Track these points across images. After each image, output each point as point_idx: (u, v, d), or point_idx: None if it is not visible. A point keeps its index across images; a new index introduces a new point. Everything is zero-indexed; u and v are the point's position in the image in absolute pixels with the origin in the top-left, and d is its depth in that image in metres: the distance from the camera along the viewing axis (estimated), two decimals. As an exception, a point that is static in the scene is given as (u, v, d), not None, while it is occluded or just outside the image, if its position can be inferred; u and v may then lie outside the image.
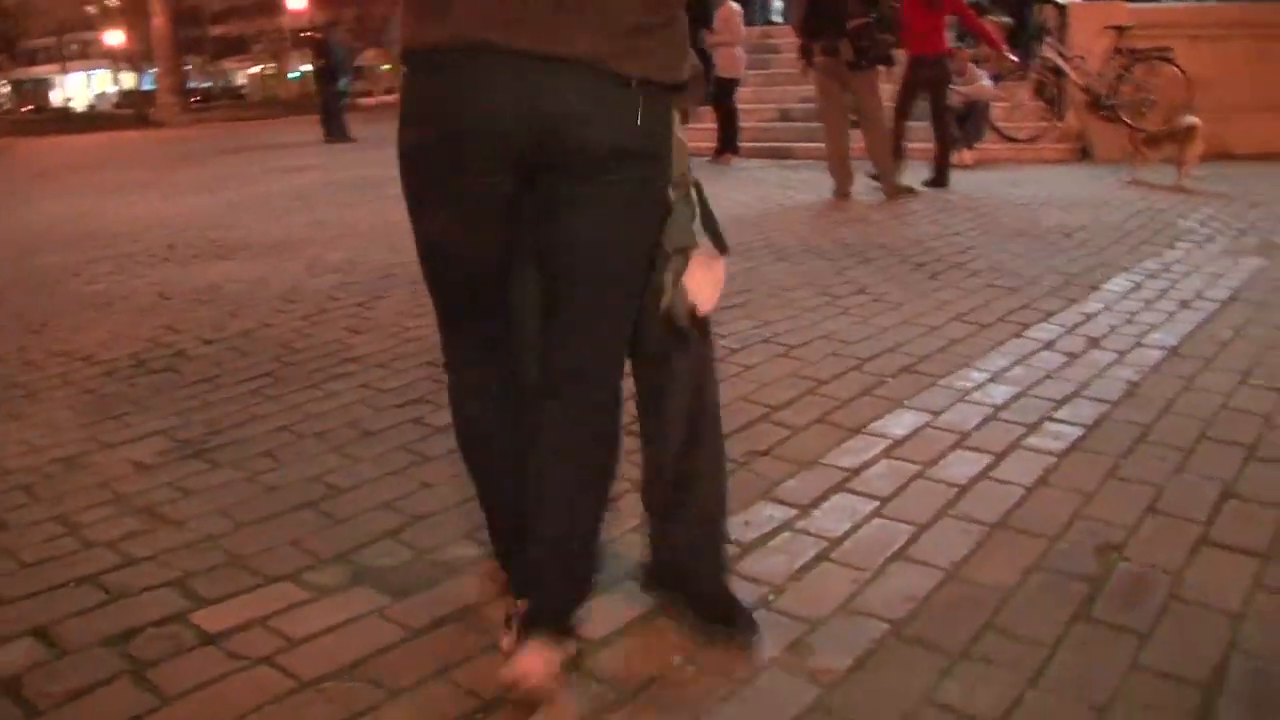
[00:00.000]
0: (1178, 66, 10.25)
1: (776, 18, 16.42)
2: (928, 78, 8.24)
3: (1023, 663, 1.96)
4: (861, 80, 7.77)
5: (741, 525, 2.53)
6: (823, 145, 8.37)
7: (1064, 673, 1.94)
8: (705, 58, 10.38)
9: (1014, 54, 11.08)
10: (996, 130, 10.45)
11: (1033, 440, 3.05)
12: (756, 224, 6.97)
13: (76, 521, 2.74)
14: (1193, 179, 8.23)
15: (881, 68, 7.98)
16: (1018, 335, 4.14)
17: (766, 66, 12.62)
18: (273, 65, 73.89)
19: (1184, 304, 4.65)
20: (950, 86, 9.66)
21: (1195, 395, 3.40)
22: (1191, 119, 8.42)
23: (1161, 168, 8.43)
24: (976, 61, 10.17)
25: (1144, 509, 2.58)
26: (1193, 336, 4.12)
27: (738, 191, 8.63)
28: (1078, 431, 3.10)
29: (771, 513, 2.63)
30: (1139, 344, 4.02)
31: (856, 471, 2.86)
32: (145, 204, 9.73)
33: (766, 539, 2.49)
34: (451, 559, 2.45)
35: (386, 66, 64.44)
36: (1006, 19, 11.17)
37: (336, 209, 8.64)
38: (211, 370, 4.07)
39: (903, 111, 8.36)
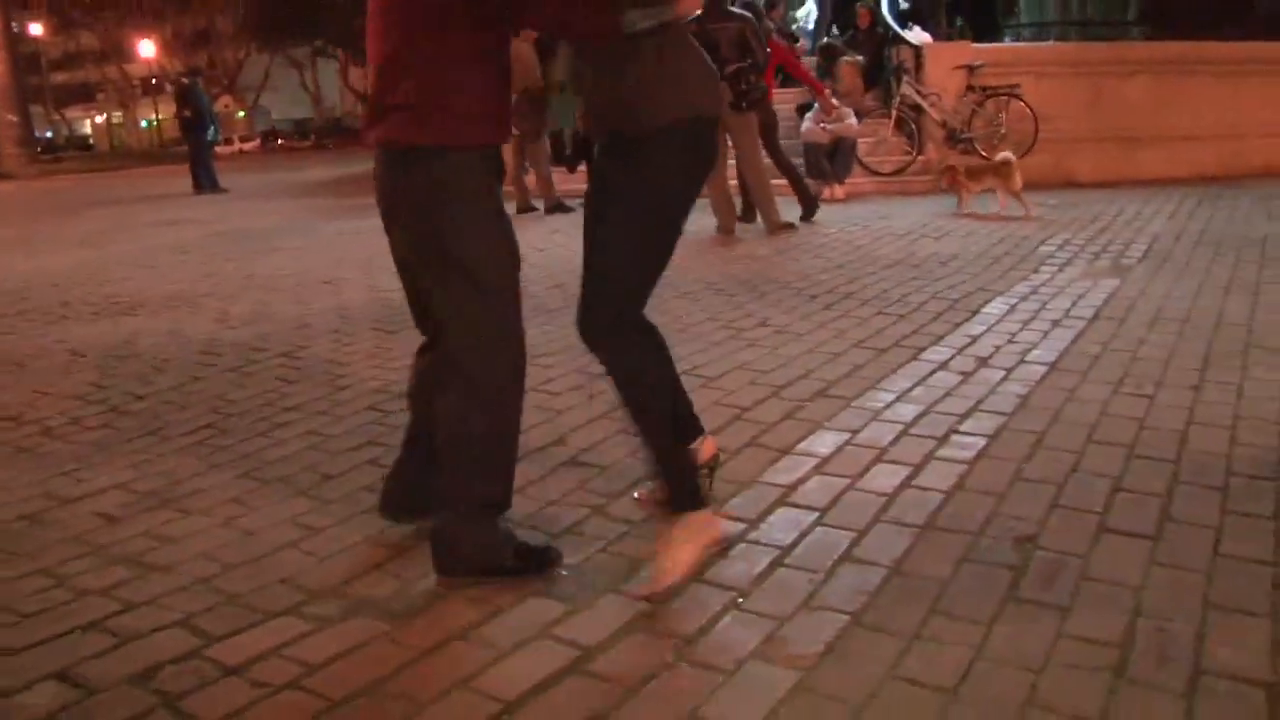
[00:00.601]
0: (1025, 102, 11.00)
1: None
2: (760, 122, 8.72)
3: (967, 639, 2.27)
4: (739, 122, 8.18)
5: (699, 540, 2.80)
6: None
7: (1002, 644, 2.24)
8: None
9: (872, 92, 11.76)
10: (863, 165, 11.03)
11: (944, 451, 3.39)
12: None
13: (62, 573, 2.84)
14: (1031, 207, 8.83)
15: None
16: (914, 359, 4.51)
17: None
18: (120, 114, 72.02)
19: (1056, 323, 5.10)
20: (821, 125, 10.22)
21: (1078, 404, 3.80)
22: (1007, 154, 9.08)
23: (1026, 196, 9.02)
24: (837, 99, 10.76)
25: (1049, 504, 2.93)
26: (1068, 352, 4.55)
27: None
28: (981, 441, 3.46)
29: (723, 528, 2.89)
30: (1023, 361, 4.43)
31: (793, 487, 3.15)
32: (22, 260, 9.59)
33: (725, 551, 2.76)
34: (438, 585, 2.64)
35: (241, 114, 63.51)
36: (861, 58, 11.84)
37: (226, 261, 8.68)
38: (152, 424, 4.16)
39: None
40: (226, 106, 63.16)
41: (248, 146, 52.60)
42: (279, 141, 57.51)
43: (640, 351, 2.64)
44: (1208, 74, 12.35)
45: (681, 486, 2.68)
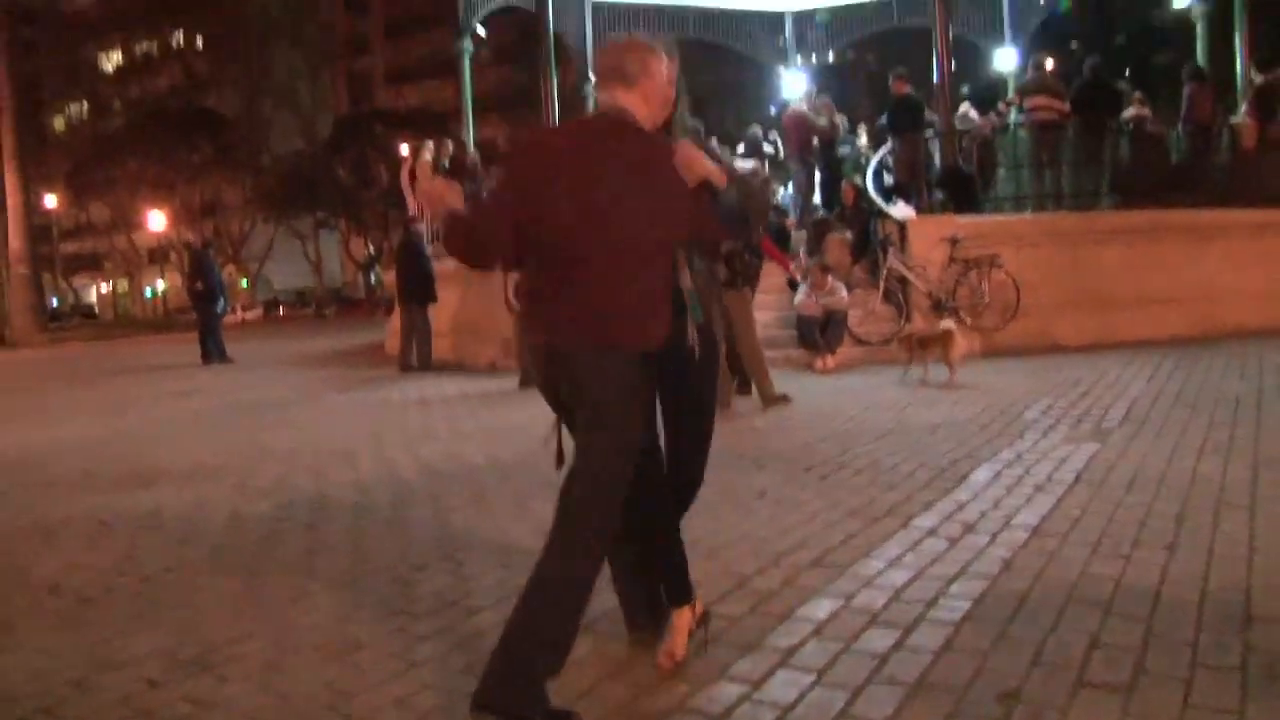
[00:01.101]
0: (1006, 271, 11.53)
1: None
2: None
3: (957, 788, 2.49)
4: (734, 299, 8.60)
5: (706, 701, 3.03)
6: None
7: (989, 793, 2.47)
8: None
9: (860, 264, 12.31)
10: (854, 336, 11.47)
11: (932, 614, 3.63)
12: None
13: (115, 738, 3.06)
14: (956, 377, 9.35)
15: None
16: (904, 526, 4.78)
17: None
18: (125, 281, 73.48)
19: (1039, 488, 5.40)
20: (814, 298, 10.71)
21: (1059, 565, 4.06)
22: (948, 323, 9.51)
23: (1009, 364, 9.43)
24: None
25: (1030, 661, 3.17)
26: (1050, 516, 4.83)
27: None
28: (968, 604, 3.71)
29: (730, 690, 3.12)
30: (1007, 525, 4.71)
31: (792, 651, 3.38)
32: (40, 429, 9.90)
33: (731, 710, 2.98)
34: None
35: (245, 283, 64.78)
36: (849, 234, 12.45)
37: (242, 433, 8.99)
38: (186, 593, 4.40)
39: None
40: (230, 275, 64.54)
41: (251, 315, 53.54)
42: (281, 310, 58.60)
43: None
44: (1176, 239, 12.98)
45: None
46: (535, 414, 8.81)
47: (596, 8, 21.68)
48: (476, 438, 8.00)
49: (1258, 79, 15.89)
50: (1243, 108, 16.01)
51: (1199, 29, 18.58)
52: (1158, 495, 5.12)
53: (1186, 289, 12.81)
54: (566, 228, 2.95)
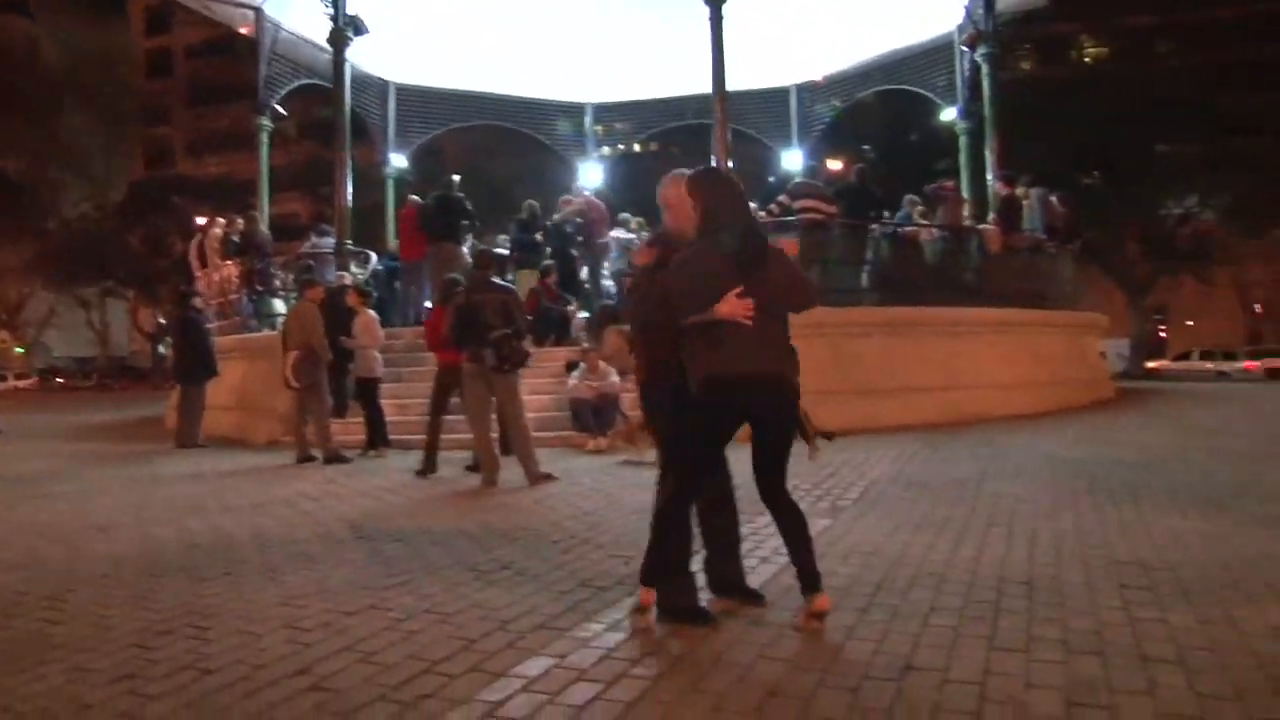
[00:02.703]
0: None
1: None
2: (448, 383, 9.87)
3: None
4: (503, 383, 8.99)
5: (414, 750, 3.33)
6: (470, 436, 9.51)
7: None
8: (346, 358, 11.51)
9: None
10: (626, 419, 11.95)
11: (636, 670, 4.02)
12: (412, 512, 7.86)
13: None
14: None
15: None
16: (631, 594, 5.16)
17: (423, 363, 13.78)
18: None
19: (764, 559, 5.89)
20: (585, 381, 11.18)
21: (762, 629, 4.53)
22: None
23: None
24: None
25: (711, 708, 3.59)
26: (771, 583, 5.33)
27: (393, 482, 9.54)
28: (669, 661, 4.12)
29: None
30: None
31: (500, 704, 3.70)
32: None
33: (434, 757, 3.28)
34: None
35: (20, 350, 61.46)
36: (627, 327, 12.97)
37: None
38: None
39: (438, 408, 10.20)
40: (3, 342, 61.15)
41: (24, 384, 50.80)
42: (59, 380, 55.78)
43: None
44: (929, 334, 14.10)
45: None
46: (303, 489, 8.98)
47: (400, 90, 22.09)
48: (242, 511, 8.06)
49: (1002, 191, 17.48)
50: (991, 216, 17.54)
51: (961, 142, 20.27)
52: (866, 565, 5.70)
53: (938, 380, 13.91)
54: None
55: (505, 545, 6.47)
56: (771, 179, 20.36)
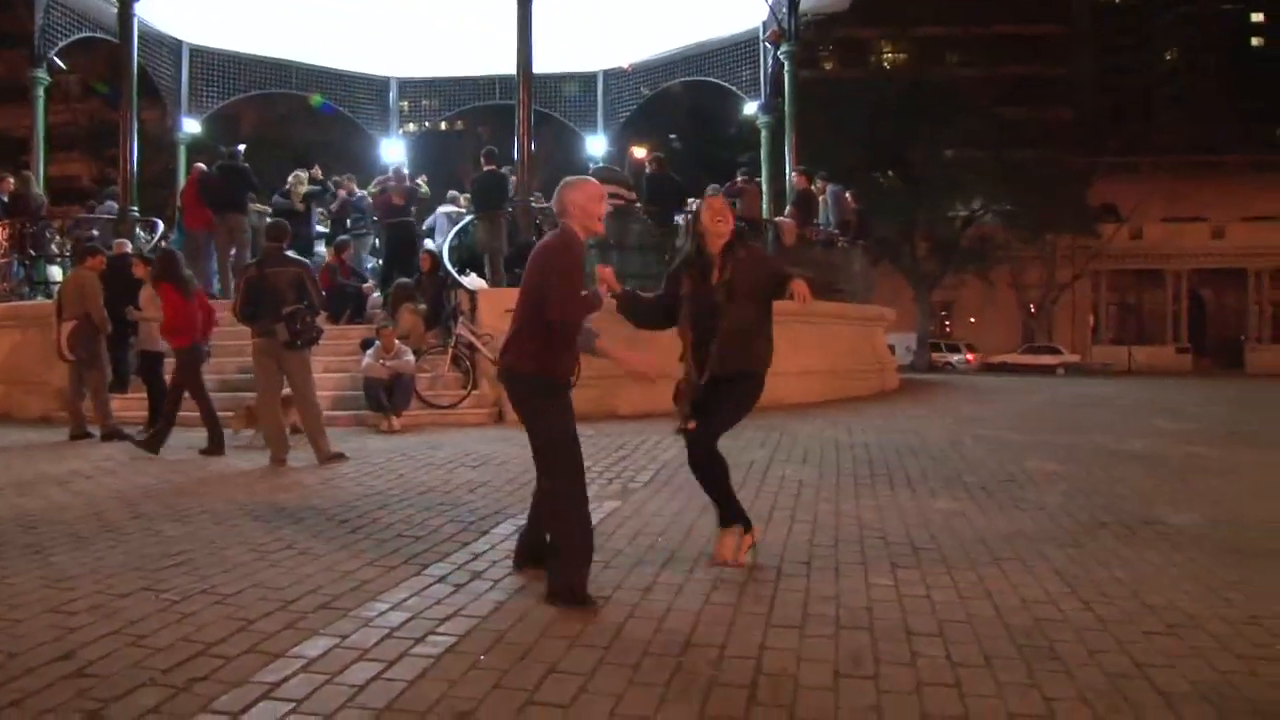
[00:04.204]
0: (569, 344, 12.33)
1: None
2: (184, 363, 9.61)
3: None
4: (294, 359, 8.75)
5: (183, 733, 3.23)
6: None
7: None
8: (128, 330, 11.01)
9: (434, 331, 12.76)
10: (421, 399, 11.84)
11: (418, 649, 4.00)
12: (195, 492, 7.57)
13: None
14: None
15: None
16: (418, 574, 5.15)
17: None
18: None
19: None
20: (380, 361, 11.02)
21: (542, 609, 4.57)
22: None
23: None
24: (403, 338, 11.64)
25: (491, 685, 3.62)
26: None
27: (175, 460, 9.18)
28: (452, 639, 4.12)
29: (208, 720, 3.33)
30: (511, 573, 5.19)
31: (277, 685, 3.62)
32: None
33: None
34: None
35: None
36: (423, 305, 12.90)
37: None
38: None
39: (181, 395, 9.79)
40: None
41: None
42: None
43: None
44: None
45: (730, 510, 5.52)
46: (77, 467, 8.54)
47: (194, 52, 21.08)
48: (5, 490, 7.60)
49: (799, 185, 18.03)
50: (788, 209, 18.05)
51: (763, 136, 20.75)
52: (653, 547, 5.83)
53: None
54: None
55: (290, 525, 6.32)
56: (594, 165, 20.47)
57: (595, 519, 6.55)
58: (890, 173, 47.37)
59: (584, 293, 4.85)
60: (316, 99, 23.20)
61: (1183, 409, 17.38)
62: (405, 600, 4.67)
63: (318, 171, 17.79)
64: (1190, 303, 56.91)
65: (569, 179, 5.12)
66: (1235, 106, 63.91)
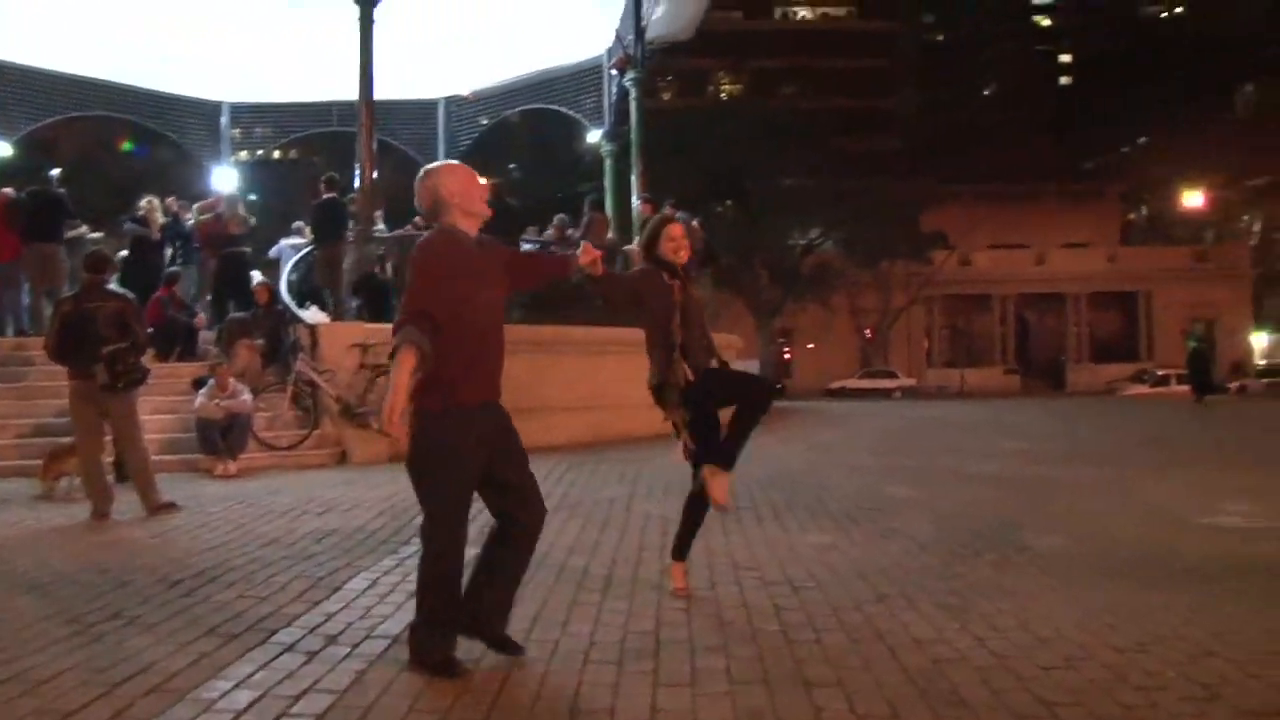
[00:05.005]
0: (416, 379, 11.79)
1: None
2: None
3: None
4: (117, 402, 8.02)
5: None
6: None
7: None
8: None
9: (272, 368, 12.09)
10: (259, 440, 11.12)
11: (269, 735, 3.53)
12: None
13: None
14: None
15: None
16: (265, 641, 4.62)
17: (20, 380, 12.27)
18: None
19: (411, 595, 5.46)
20: (215, 401, 10.31)
21: (405, 680, 4.12)
22: (65, 440, 9.17)
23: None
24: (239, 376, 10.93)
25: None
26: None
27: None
28: (309, 721, 3.65)
29: None
30: (369, 636, 4.73)
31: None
32: None
33: None
34: None
35: None
36: (261, 340, 12.21)
37: None
38: None
39: None
40: None
41: None
42: None
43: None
44: (575, 353, 14.09)
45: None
46: None
47: (2, 69, 19.58)
48: None
49: (645, 212, 17.88)
50: (637, 240, 17.84)
51: (607, 164, 20.59)
52: (516, 598, 5.41)
53: (584, 399, 13.92)
54: None
55: (116, 590, 5.65)
56: None
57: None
58: (730, 202, 48.05)
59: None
60: (127, 145, 21.93)
61: (1020, 429, 17.91)
62: (251, 675, 4.15)
63: (172, 203, 16.65)
64: (1016, 326, 59.43)
65: (430, 168, 4.47)
66: (1048, 140, 67.10)
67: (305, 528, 7.48)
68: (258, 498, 8.89)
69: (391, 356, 4.09)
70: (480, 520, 4.55)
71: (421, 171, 4.44)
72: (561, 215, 17.39)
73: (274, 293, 12.98)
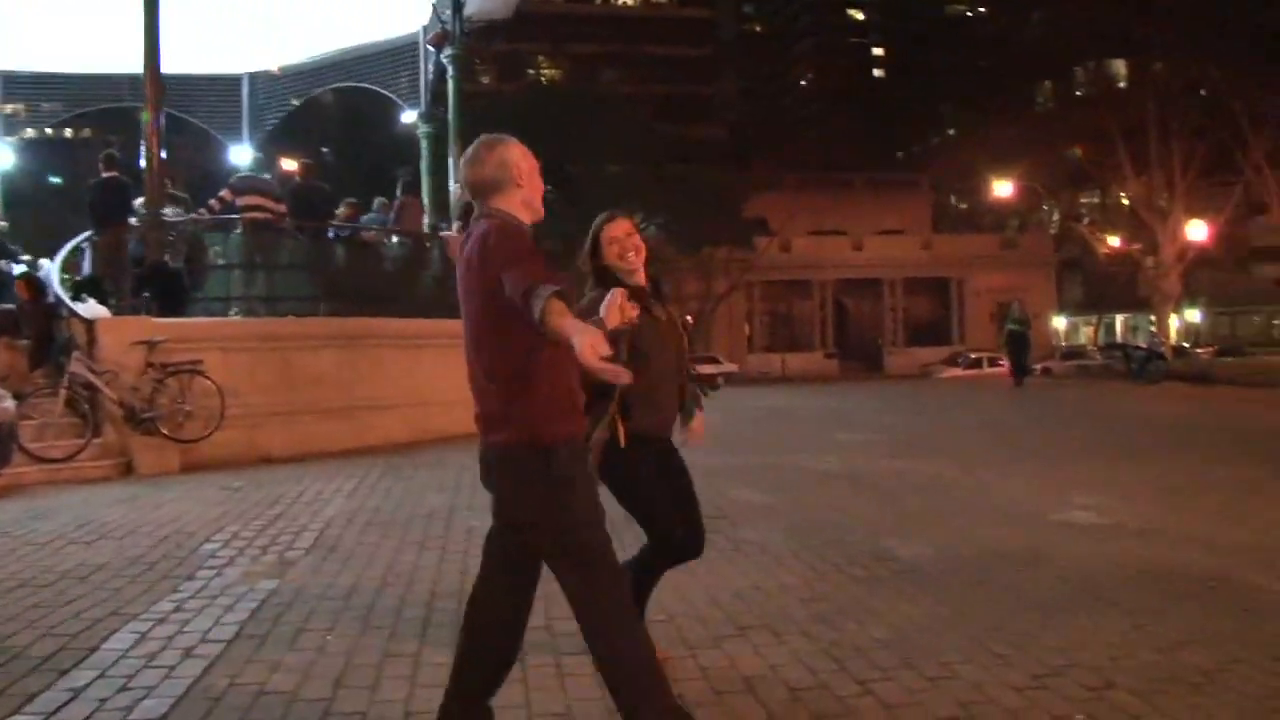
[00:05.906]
0: (209, 378, 10.70)
1: None
2: None
3: None
4: None
5: None
6: None
7: None
8: None
9: (42, 369, 10.80)
10: (27, 452, 9.78)
11: None
12: None
13: None
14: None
15: None
16: (19, 709, 3.69)
17: None
18: None
19: (187, 652, 4.57)
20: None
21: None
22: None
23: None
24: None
25: None
26: (188, 696, 4.03)
27: None
28: None
29: None
30: (126, 718, 3.83)
31: None
32: None
33: None
34: None
35: None
36: (25, 340, 10.91)
37: None
38: None
39: None
40: None
41: None
42: None
43: None
44: (390, 347, 13.16)
45: None
46: None
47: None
48: None
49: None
50: (456, 224, 16.96)
51: (424, 146, 19.64)
52: (322, 650, 4.63)
53: (400, 396, 13.01)
54: None
55: None
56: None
57: (249, 605, 5.34)
58: (551, 187, 47.37)
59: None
60: None
61: (857, 418, 17.80)
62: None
63: None
64: (835, 310, 60.72)
65: (499, 136, 3.53)
66: (863, 130, 68.71)
67: (68, 562, 6.35)
68: (16, 524, 7.60)
69: (540, 319, 2.94)
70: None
71: (487, 136, 3.50)
72: (382, 199, 16.40)
73: (39, 285, 11.59)
